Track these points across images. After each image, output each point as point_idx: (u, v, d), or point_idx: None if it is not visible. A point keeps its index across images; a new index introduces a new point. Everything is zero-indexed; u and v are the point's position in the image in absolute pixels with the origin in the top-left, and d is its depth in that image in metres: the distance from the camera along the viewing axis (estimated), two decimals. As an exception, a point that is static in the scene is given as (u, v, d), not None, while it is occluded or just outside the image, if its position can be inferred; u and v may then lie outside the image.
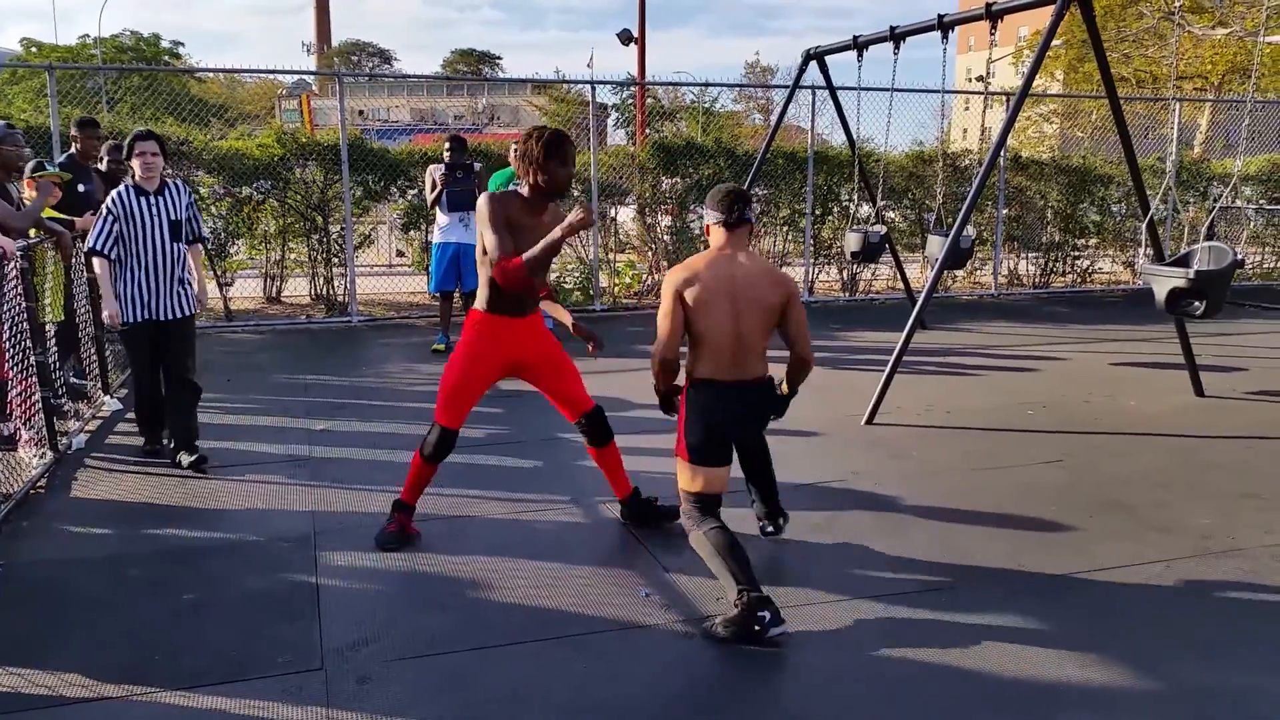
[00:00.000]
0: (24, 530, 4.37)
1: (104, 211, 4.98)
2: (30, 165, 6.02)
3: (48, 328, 5.78)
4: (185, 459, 5.20)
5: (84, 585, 3.81)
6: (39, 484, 4.91)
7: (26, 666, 3.17)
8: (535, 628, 3.48)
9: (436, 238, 8.45)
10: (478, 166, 8.49)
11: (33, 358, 5.08)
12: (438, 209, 8.31)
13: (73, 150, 6.80)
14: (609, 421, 4.37)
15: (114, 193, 5.02)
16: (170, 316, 5.13)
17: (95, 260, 5.05)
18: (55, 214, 5.96)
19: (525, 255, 3.81)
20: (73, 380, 6.38)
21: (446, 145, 8.38)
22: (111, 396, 6.53)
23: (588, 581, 3.85)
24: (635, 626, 3.49)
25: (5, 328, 4.94)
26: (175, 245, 5.09)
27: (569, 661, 3.25)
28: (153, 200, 5.02)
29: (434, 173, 8.39)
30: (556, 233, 3.79)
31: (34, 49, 28.29)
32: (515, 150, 8.39)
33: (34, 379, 5.10)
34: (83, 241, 6.09)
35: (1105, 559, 4.08)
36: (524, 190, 3.97)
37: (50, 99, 9.26)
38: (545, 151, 3.86)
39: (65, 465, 5.26)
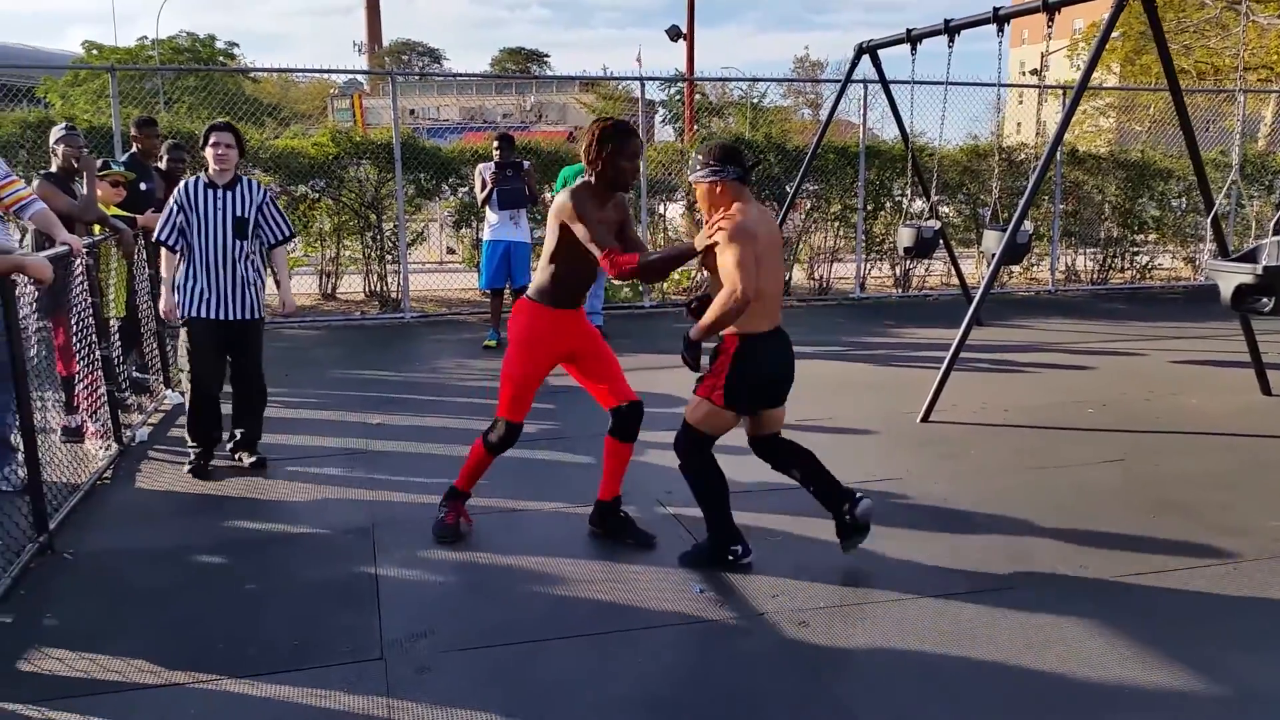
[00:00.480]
0: (91, 520, 4.48)
1: (170, 202, 4.88)
2: (98, 164, 6.16)
3: (111, 323, 5.91)
4: (247, 459, 5.17)
5: (148, 574, 3.89)
6: (104, 475, 5.03)
7: (96, 652, 3.25)
8: (589, 621, 3.49)
9: (487, 235, 8.52)
10: (527, 164, 8.54)
11: (98, 352, 5.21)
12: (488, 207, 8.38)
13: (134, 150, 6.95)
14: (644, 419, 4.25)
15: (182, 183, 4.92)
16: (232, 317, 4.92)
17: (162, 251, 4.98)
18: (119, 211, 6.10)
19: (644, 260, 3.77)
20: (135, 374, 6.53)
21: (495, 144, 8.45)
22: (173, 390, 6.66)
23: (641, 576, 3.86)
24: (688, 622, 3.49)
25: (73, 323, 5.08)
26: (239, 244, 4.88)
27: (622, 655, 3.26)
28: (220, 195, 4.87)
29: (484, 171, 8.45)
30: (687, 245, 3.84)
31: (95, 51, 28.92)
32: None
33: (99, 373, 5.22)
34: (144, 239, 6.24)
35: (1166, 561, 3.99)
36: (591, 180, 3.95)
37: (112, 99, 9.48)
38: (608, 143, 3.85)
39: (129, 457, 5.38)
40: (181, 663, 3.19)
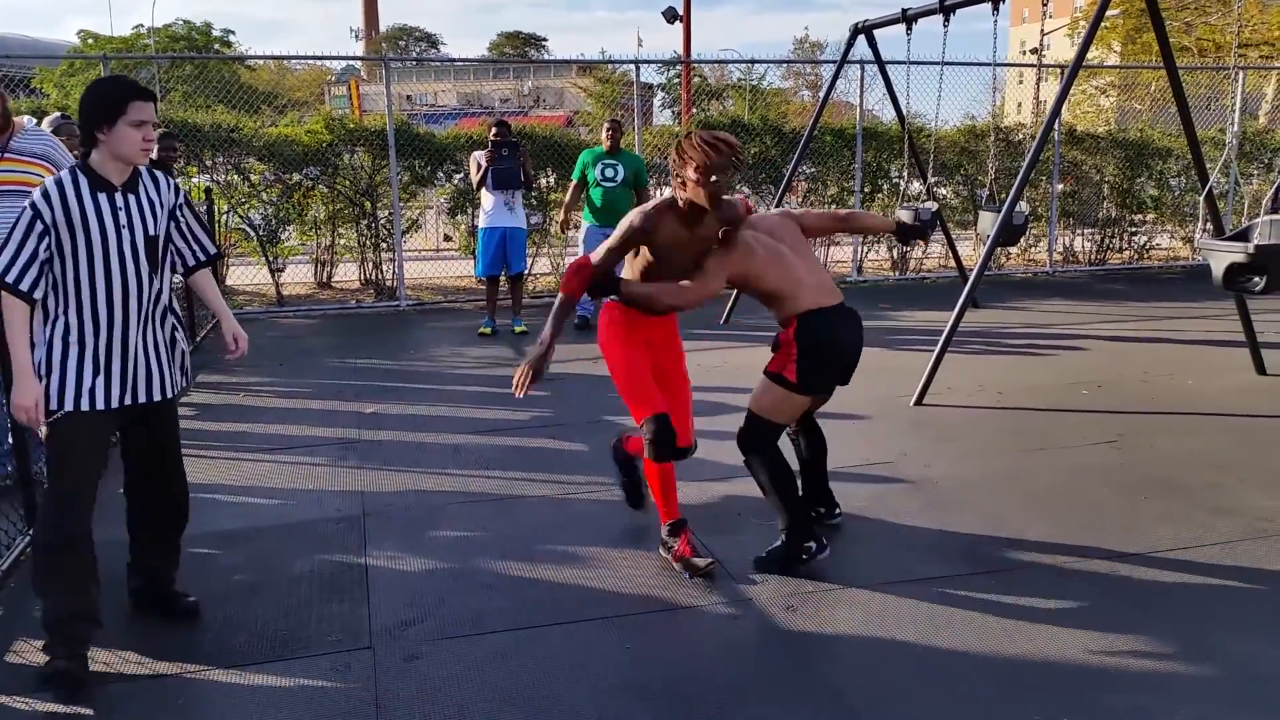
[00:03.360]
0: (83, 511, 4.47)
1: (23, 219, 2.90)
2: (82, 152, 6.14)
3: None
4: (168, 603, 3.49)
5: (140, 565, 3.89)
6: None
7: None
8: (580, 608, 3.49)
9: (482, 222, 8.50)
10: (522, 146, 8.52)
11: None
12: (483, 190, 8.36)
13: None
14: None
15: (49, 183, 2.97)
16: (146, 398, 3.13)
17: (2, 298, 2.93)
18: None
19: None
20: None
21: (492, 128, 8.42)
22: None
23: (632, 563, 3.85)
24: (678, 608, 3.49)
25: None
26: (153, 278, 3.07)
27: (613, 641, 3.26)
28: (119, 201, 2.98)
29: (478, 157, 8.43)
30: (547, 333, 3.53)
31: (90, 40, 28.83)
32: (608, 130, 8.51)
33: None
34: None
35: (1160, 541, 3.98)
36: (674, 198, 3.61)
37: (105, 89, 9.41)
38: (687, 163, 3.47)
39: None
40: (169, 653, 3.19)
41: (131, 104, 2.95)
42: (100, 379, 3.03)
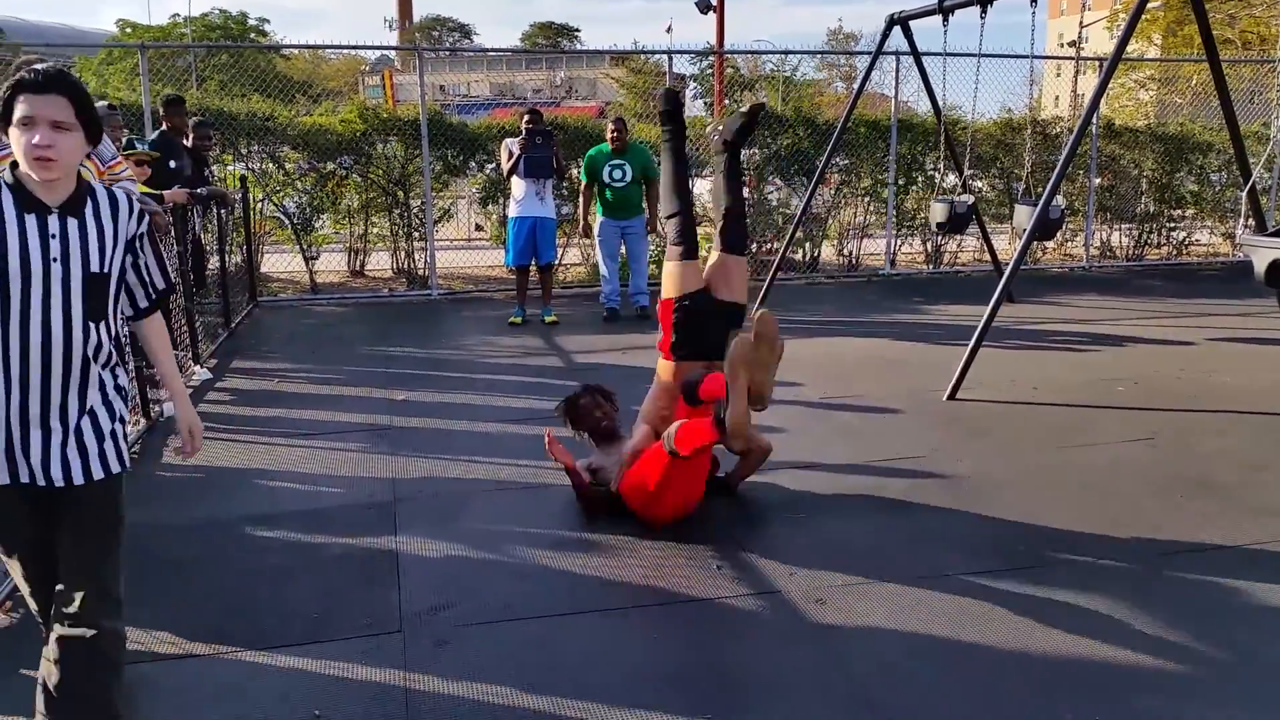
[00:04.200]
0: (119, 493, 4.54)
1: None
2: (123, 143, 6.21)
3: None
4: None
5: (174, 547, 3.94)
6: (132, 450, 5.10)
7: (121, 623, 3.29)
8: (608, 597, 3.50)
9: (513, 212, 8.53)
10: (555, 135, 8.53)
11: (125, 329, 5.25)
12: (514, 178, 8.38)
13: (163, 127, 7.01)
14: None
15: None
16: (46, 480, 2.35)
17: None
18: (146, 189, 6.16)
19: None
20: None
21: (524, 117, 8.44)
22: (201, 367, 6.73)
23: (660, 553, 3.85)
24: (707, 599, 3.49)
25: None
26: (91, 328, 2.37)
27: (639, 631, 3.26)
28: (51, 226, 2.30)
29: (510, 145, 8.44)
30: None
31: (128, 29, 29.18)
32: (612, 130, 8.54)
33: (127, 349, 5.27)
34: (174, 214, 6.29)
35: (1196, 541, 3.93)
36: None
37: (142, 78, 9.54)
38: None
39: (157, 432, 5.45)
40: (203, 635, 3.23)
41: (18, 99, 2.26)
42: None
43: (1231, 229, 12.81)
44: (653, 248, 9.75)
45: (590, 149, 8.91)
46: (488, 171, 11.07)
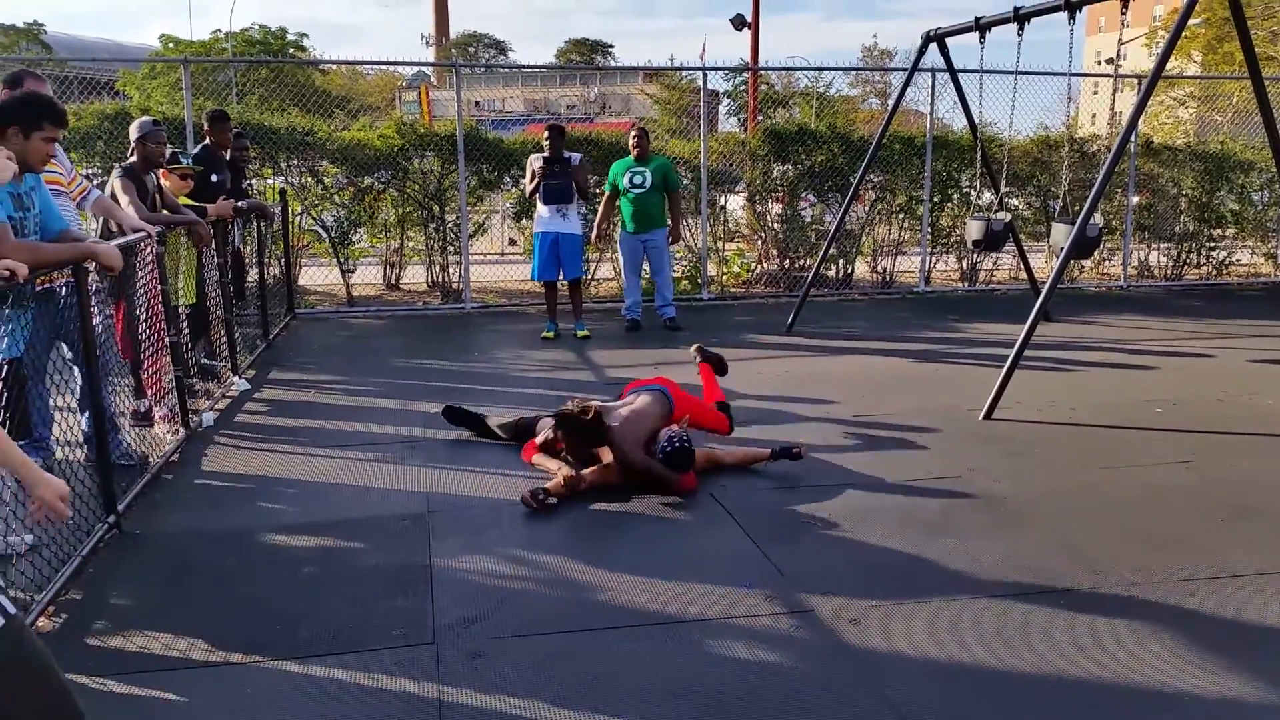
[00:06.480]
0: (157, 502, 4.61)
1: None
2: (166, 157, 6.31)
3: (180, 310, 6.05)
4: None
5: (211, 556, 3.99)
6: (172, 458, 5.16)
7: (158, 630, 3.34)
8: (639, 612, 3.49)
9: (536, 227, 8.67)
10: (577, 158, 8.60)
11: (166, 339, 5.33)
12: (536, 198, 8.52)
13: (206, 141, 7.12)
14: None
15: None
16: None
17: None
18: (189, 202, 6.26)
19: None
20: (204, 361, 6.69)
21: (545, 135, 8.51)
22: (240, 377, 6.81)
23: (692, 570, 3.84)
24: (739, 617, 3.47)
25: (140, 309, 5.21)
26: None
27: (671, 648, 3.25)
28: None
29: (533, 162, 8.56)
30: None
31: (171, 44, 29.67)
32: (634, 139, 8.70)
33: (166, 359, 5.34)
34: (215, 227, 6.38)
35: (1237, 566, 3.86)
36: None
37: (185, 92, 9.70)
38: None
39: (195, 441, 5.52)
40: (239, 643, 3.26)
41: None
42: None
43: (1273, 249, 12.64)
44: (678, 258, 9.79)
45: (614, 163, 9.09)
46: (521, 186, 11.15)
